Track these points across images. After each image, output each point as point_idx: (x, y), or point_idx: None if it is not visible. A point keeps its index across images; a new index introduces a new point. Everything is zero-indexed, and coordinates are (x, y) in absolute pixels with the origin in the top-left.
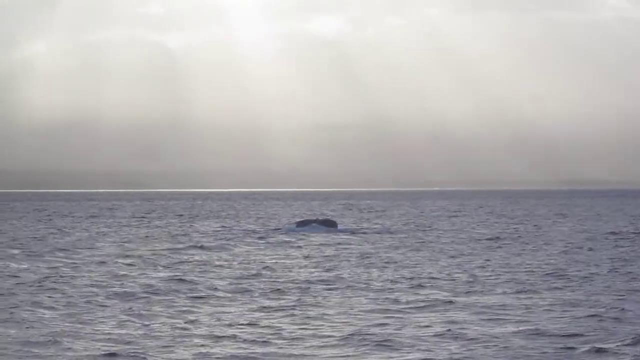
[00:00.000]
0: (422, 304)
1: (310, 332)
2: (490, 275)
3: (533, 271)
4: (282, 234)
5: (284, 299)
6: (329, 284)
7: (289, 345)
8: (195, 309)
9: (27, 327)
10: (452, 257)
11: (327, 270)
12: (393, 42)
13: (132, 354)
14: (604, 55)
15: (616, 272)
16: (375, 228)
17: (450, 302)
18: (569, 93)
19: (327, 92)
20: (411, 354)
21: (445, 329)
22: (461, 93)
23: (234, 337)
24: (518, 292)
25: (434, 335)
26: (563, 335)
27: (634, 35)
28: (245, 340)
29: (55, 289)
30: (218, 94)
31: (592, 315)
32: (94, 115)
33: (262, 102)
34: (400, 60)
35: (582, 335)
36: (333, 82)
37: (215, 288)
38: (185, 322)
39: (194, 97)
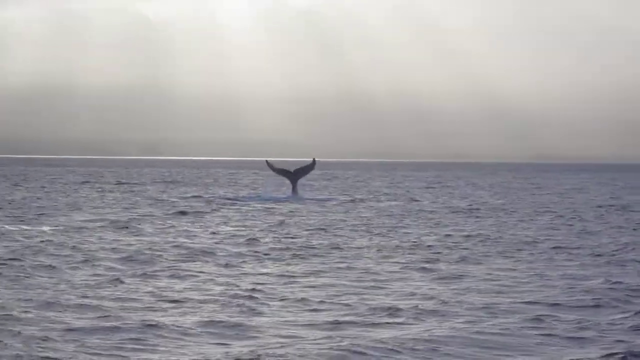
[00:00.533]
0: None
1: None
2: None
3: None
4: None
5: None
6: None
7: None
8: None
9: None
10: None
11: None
12: (370, 13)
13: None
14: (581, 31)
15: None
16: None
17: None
18: (544, 68)
19: (303, 62)
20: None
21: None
22: (437, 66)
23: None
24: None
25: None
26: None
27: (609, 11)
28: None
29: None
30: (195, 64)
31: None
32: (70, 83)
33: (239, 72)
34: (377, 32)
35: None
36: (310, 53)
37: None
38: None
39: (171, 66)
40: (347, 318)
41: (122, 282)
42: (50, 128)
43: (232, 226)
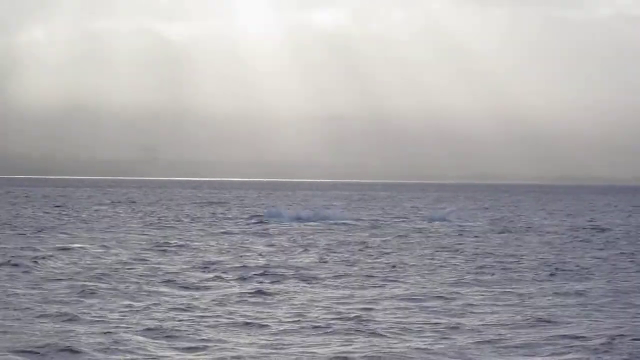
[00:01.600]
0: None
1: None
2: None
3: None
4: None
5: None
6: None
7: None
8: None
9: None
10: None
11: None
12: (395, 35)
13: None
14: (604, 52)
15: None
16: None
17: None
18: (569, 89)
19: (329, 84)
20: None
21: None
22: (462, 87)
23: None
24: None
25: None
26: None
27: (635, 32)
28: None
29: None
30: (220, 85)
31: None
32: (95, 104)
33: (264, 93)
34: (402, 54)
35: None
36: (335, 74)
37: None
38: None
39: (196, 87)
40: None
41: None
42: (74, 149)
43: None
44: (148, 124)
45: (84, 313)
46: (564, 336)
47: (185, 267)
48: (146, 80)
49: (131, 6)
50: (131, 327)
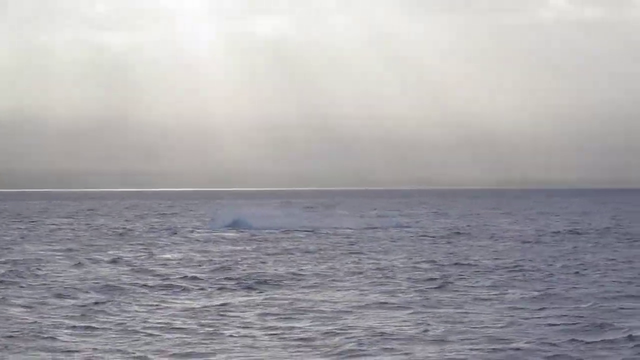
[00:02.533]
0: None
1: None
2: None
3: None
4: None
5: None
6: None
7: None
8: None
9: None
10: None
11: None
12: (339, 43)
13: None
14: (547, 57)
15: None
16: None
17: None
18: (515, 94)
19: (272, 91)
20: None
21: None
22: (408, 94)
23: None
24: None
25: None
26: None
27: (574, 35)
28: None
29: None
30: (163, 94)
31: None
32: (36, 115)
33: (207, 103)
34: (347, 61)
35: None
36: (278, 82)
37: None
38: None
39: (139, 97)
40: None
41: None
42: (17, 160)
43: None
44: (90, 135)
45: None
46: None
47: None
48: (87, 91)
49: (70, 17)
50: None
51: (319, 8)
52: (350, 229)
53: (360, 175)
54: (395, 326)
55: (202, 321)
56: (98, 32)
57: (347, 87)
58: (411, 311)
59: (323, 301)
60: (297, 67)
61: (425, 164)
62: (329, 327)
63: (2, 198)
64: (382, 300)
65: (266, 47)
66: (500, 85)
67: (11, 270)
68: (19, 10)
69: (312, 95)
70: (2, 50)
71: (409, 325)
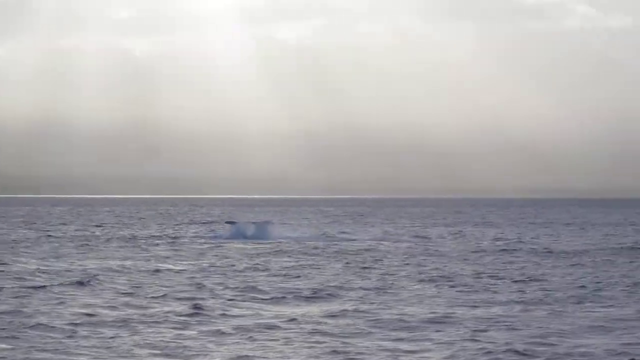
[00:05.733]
0: None
1: None
2: None
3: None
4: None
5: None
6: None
7: None
8: None
9: None
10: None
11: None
12: (365, 48)
13: None
14: (572, 64)
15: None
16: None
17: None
18: (540, 100)
19: (300, 97)
20: None
21: None
22: (435, 99)
23: None
24: None
25: None
26: None
27: (602, 43)
28: None
29: None
30: (189, 100)
31: None
32: (60, 121)
33: (234, 108)
34: (372, 68)
35: None
36: (306, 88)
37: None
38: None
39: (164, 102)
40: None
41: None
42: (43, 166)
43: None
44: (116, 140)
45: None
46: None
47: None
48: (113, 96)
49: (97, 23)
50: None
51: (345, 14)
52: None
53: (389, 182)
54: None
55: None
56: (123, 37)
57: (375, 93)
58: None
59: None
60: (325, 73)
61: (457, 171)
62: None
63: (32, 203)
64: None
65: (294, 53)
66: (527, 92)
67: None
68: (44, 15)
69: (339, 101)
70: (27, 55)
71: None
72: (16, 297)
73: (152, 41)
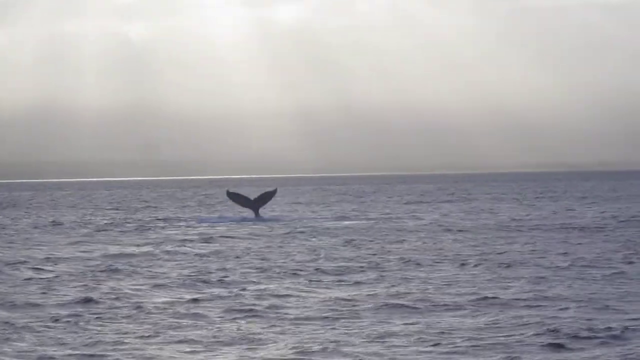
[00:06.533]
0: None
1: None
2: None
3: None
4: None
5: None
6: None
7: None
8: None
9: None
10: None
11: None
12: (362, 28)
13: None
14: (570, 39)
15: None
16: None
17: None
18: (537, 77)
19: (298, 77)
20: None
21: None
22: (435, 77)
23: None
24: None
25: None
26: None
27: (602, 19)
28: None
29: None
30: (188, 82)
31: None
32: (60, 106)
33: (232, 90)
34: (370, 46)
35: None
36: (305, 68)
37: None
38: None
39: (163, 85)
40: None
41: None
42: (45, 151)
43: None
44: (114, 124)
45: None
46: None
47: None
48: (113, 80)
49: (96, 7)
50: None
51: None
52: None
53: (389, 160)
54: None
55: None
56: (122, 22)
57: (373, 72)
58: None
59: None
60: (323, 53)
61: (458, 148)
62: None
63: (33, 188)
64: None
65: (291, 33)
66: (526, 68)
67: None
68: (42, 2)
69: (338, 81)
70: (27, 41)
71: None
72: None
73: (151, 25)
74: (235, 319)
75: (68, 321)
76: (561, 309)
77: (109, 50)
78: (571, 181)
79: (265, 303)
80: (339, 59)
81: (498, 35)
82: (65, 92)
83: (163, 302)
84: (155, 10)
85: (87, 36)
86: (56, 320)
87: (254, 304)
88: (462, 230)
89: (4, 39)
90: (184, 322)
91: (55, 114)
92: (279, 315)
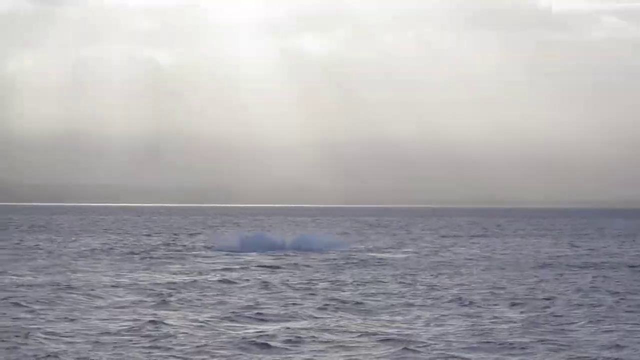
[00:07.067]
0: None
1: None
2: None
3: None
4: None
5: None
6: None
7: None
8: None
9: None
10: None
11: None
12: (388, 59)
13: None
14: (599, 75)
15: None
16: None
17: None
18: (564, 112)
19: (324, 108)
20: None
21: None
22: (459, 109)
23: None
24: None
25: None
26: None
27: (629, 54)
28: None
29: None
30: (213, 111)
31: None
32: (85, 130)
33: (258, 119)
34: (395, 78)
35: None
36: (330, 98)
37: None
38: None
39: (189, 113)
40: None
41: None
42: (69, 175)
43: None
44: (139, 150)
45: None
46: None
47: None
48: (138, 107)
49: (120, 33)
50: None
51: (369, 25)
52: None
53: (413, 193)
54: None
55: None
56: (146, 48)
57: (399, 104)
58: None
59: None
60: (349, 84)
61: (481, 181)
62: None
63: (59, 212)
64: None
65: (318, 64)
66: (552, 103)
67: None
68: (69, 26)
69: (363, 112)
70: (53, 66)
71: None
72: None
73: (177, 52)
74: None
75: None
76: None
77: (133, 75)
78: (598, 219)
79: None
80: (364, 89)
81: (524, 69)
82: (89, 117)
83: None
84: (181, 38)
85: (112, 62)
86: None
87: None
88: (505, 267)
89: (30, 64)
90: None
91: (79, 139)
92: None
